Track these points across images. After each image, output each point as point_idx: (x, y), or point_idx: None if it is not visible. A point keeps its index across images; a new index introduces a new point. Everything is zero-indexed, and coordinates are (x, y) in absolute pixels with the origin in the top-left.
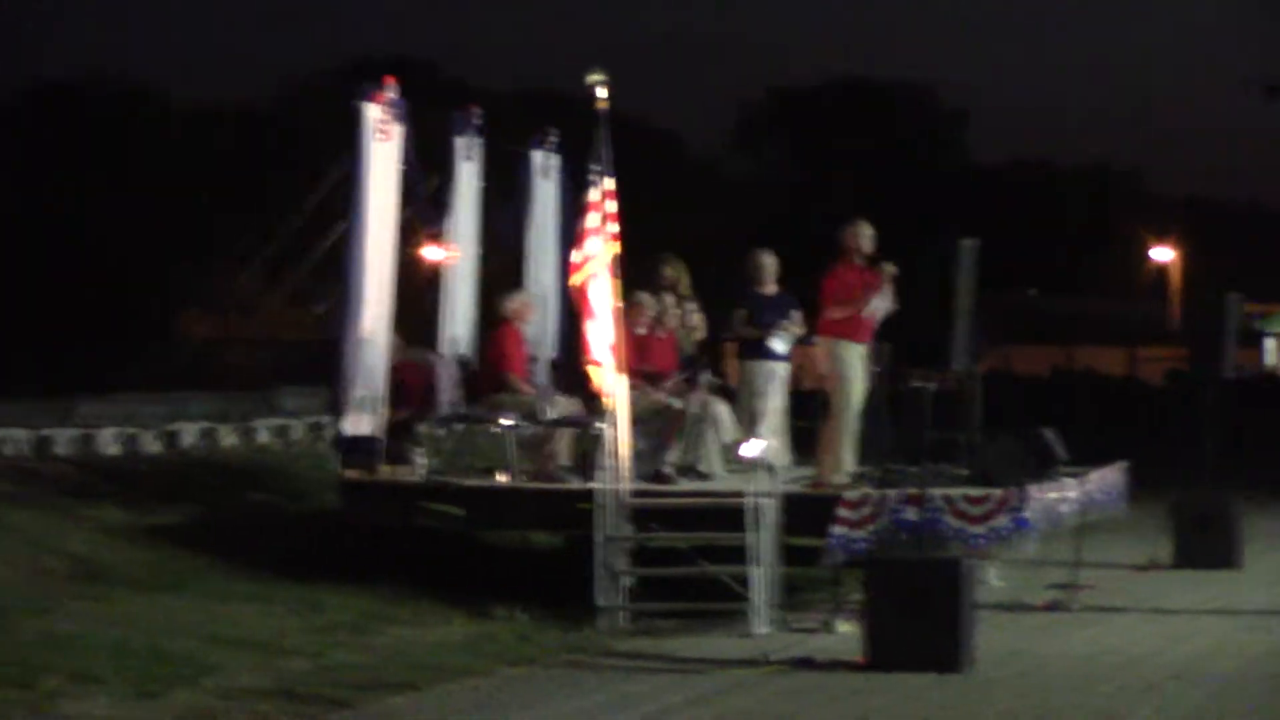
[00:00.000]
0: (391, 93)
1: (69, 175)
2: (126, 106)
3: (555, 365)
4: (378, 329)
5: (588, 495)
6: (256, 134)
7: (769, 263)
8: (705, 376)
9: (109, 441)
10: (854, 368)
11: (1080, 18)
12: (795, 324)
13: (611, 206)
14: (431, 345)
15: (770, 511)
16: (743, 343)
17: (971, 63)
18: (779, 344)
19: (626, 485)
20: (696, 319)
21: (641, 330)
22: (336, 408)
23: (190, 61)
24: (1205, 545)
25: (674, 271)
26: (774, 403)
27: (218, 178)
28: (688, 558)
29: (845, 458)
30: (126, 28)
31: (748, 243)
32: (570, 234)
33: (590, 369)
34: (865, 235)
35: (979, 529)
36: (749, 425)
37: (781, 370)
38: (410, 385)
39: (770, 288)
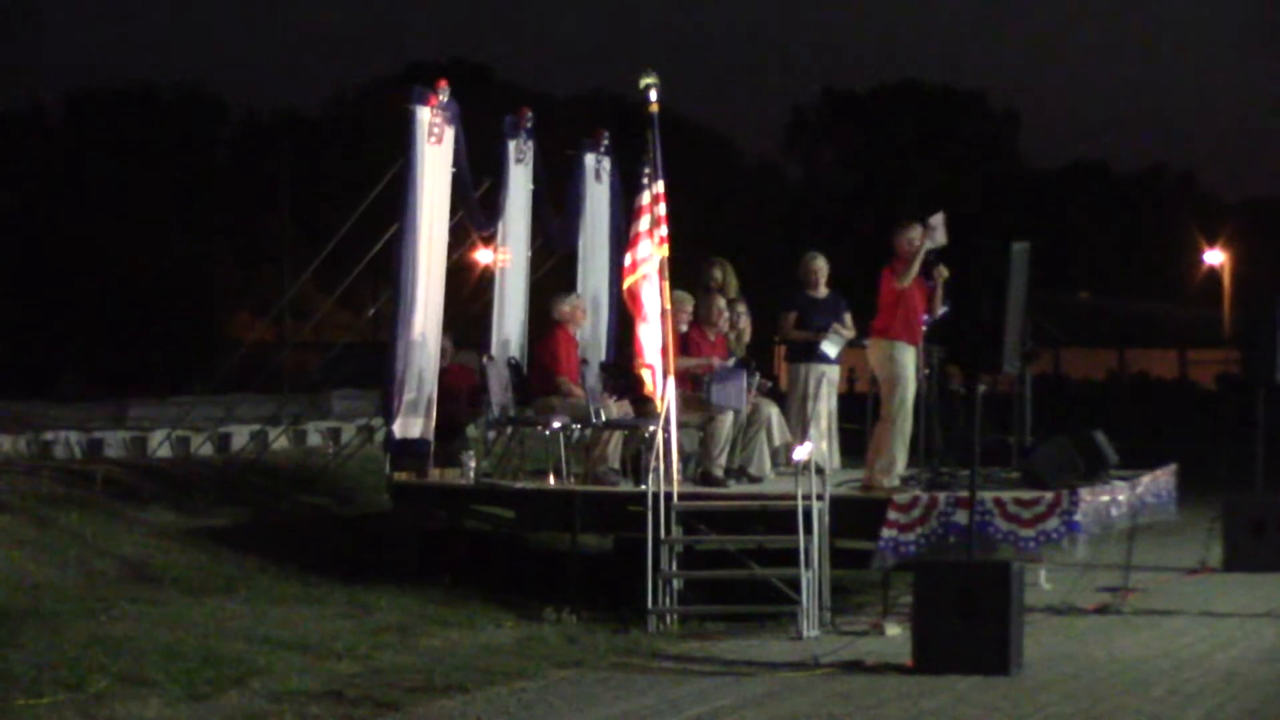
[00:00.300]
0: (444, 96)
1: (124, 180)
2: (184, 113)
3: (606, 368)
4: (429, 332)
5: (638, 498)
6: (311, 139)
7: (820, 265)
8: (756, 379)
9: (160, 444)
10: (906, 370)
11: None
12: (846, 327)
13: (662, 209)
14: (483, 348)
15: (820, 514)
16: (792, 345)
17: (1029, 66)
18: (830, 347)
19: (676, 488)
20: (745, 321)
21: (683, 327)
22: (387, 410)
23: (247, 68)
24: (1256, 548)
25: (722, 273)
26: (824, 405)
27: (272, 182)
28: (737, 560)
29: (896, 460)
30: (183, 35)
31: (801, 245)
32: (622, 237)
33: (642, 371)
34: (914, 235)
35: (1029, 532)
36: (799, 428)
37: (832, 373)
38: (457, 388)
39: (821, 290)
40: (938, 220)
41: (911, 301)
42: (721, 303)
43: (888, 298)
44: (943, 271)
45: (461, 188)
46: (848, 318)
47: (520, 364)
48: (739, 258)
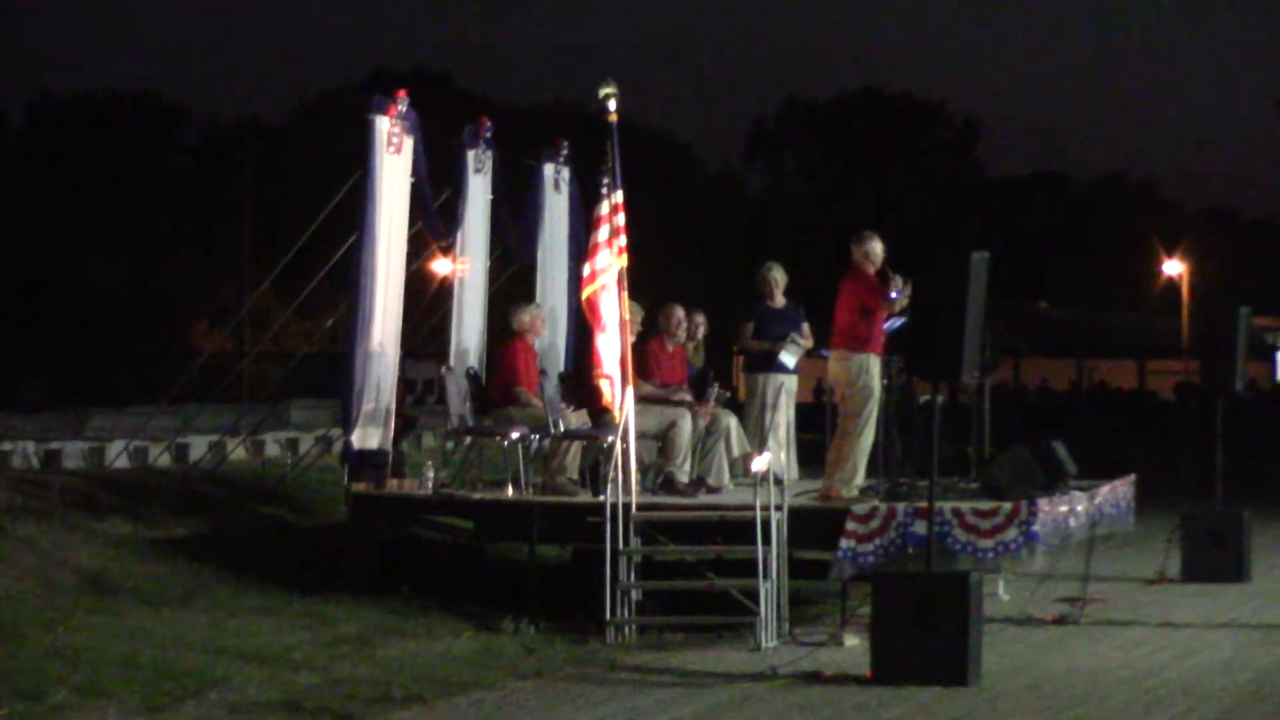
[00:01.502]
0: (403, 106)
1: (82, 187)
2: (142, 119)
3: (564, 378)
4: (387, 342)
5: (596, 508)
6: (273, 147)
7: (776, 276)
8: (714, 389)
9: (118, 454)
10: (874, 380)
11: (1099, 30)
12: (803, 337)
13: (621, 219)
14: (441, 357)
15: (779, 525)
16: (750, 355)
17: (990, 75)
18: (788, 357)
19: (635, 498)
20: (703, 331)
21: (631, 337)
22: (345, 421)
23: (206, 75)
24: (1215, 559)
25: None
26: (783, 415)
27: (233, 191)
28: (695, 571)
29: (855, 471)
30: (145, 43)
31: (761, 255)
32: (581, 247)
33: (600, 382)
34: (875, 248)
35: (988, 542)
36: (758, 438)
37: (790, 383)
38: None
39: (779, 300)
40: (873, 247)
41: (869, 310)
42: (680, 312)
43: (845, 308)
44: (898, 280)
45: (420, 197)
46: (805, 327)
47: (479, 374)
48: (699, 266)
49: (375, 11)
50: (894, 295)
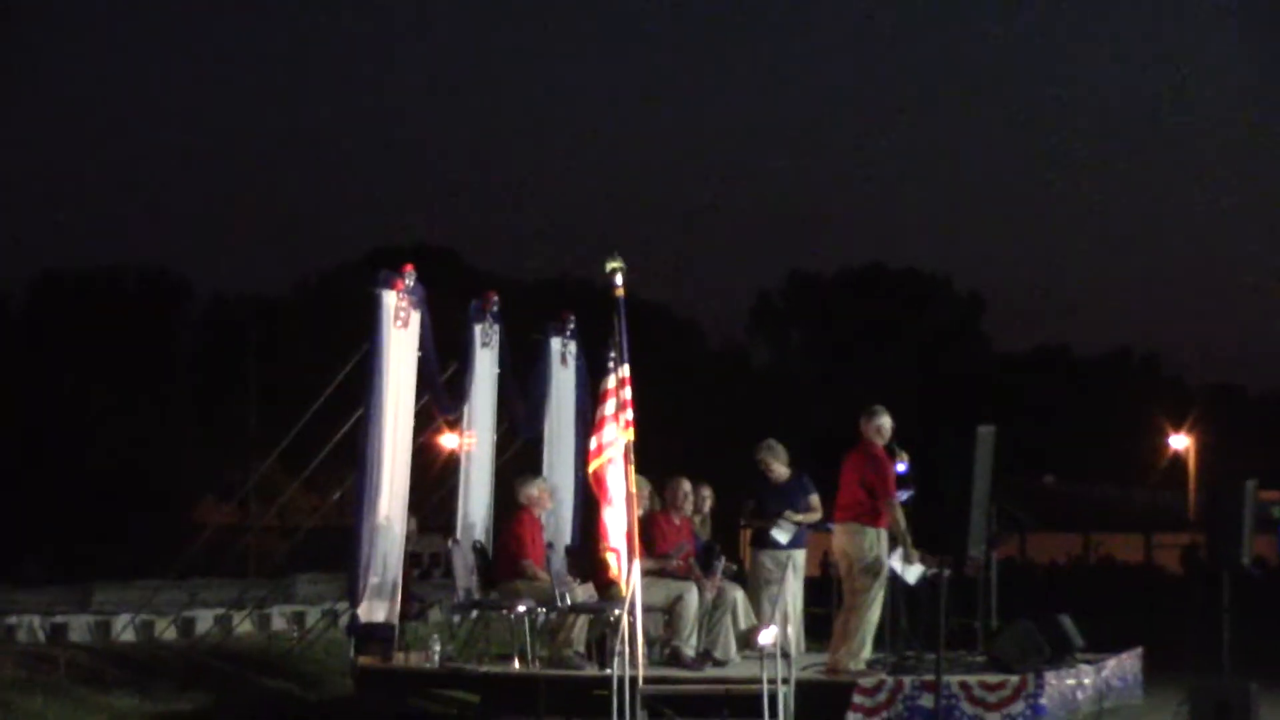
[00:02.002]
0: (410, 280)
1: (86, 362)
2: (147, 295)
3: (571, 552)
4: (394, 515)
5: (603, 682)
6: (276, 323)
7: (768, 458)
8: (720, 562)
9: (124, 627)
10: (871, 553)
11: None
12: (802, 511)
13: (628, 393)
14: (448, 531)
15: (785, 699)
16: (754, 531)
17: (993, 250)
18: (781, 535)
19: (641, 671)
20: (709, 505)
21: (639, 511)
22: (351, 594)
23: (212, 252)
24: None
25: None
26: (788, 589)
27: (237, 365)
28: None
29: (862, 644)
30: (147, 220)
31: (763, 429)
32: (587, 420)
33: (606, 555)
34: (885, 423)
35: (995, 716)
36: (764, 612)
37: (798, 557)
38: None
39: (779, 475)
40: (884, 422)
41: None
42: (686, 485)
43: (851, 481)
44: (903, 456)
45: (427, 371)
46: (814, 499)
47: (485, 547)
48: (704, 441)
49: (377, 188)
50: (901, 469)
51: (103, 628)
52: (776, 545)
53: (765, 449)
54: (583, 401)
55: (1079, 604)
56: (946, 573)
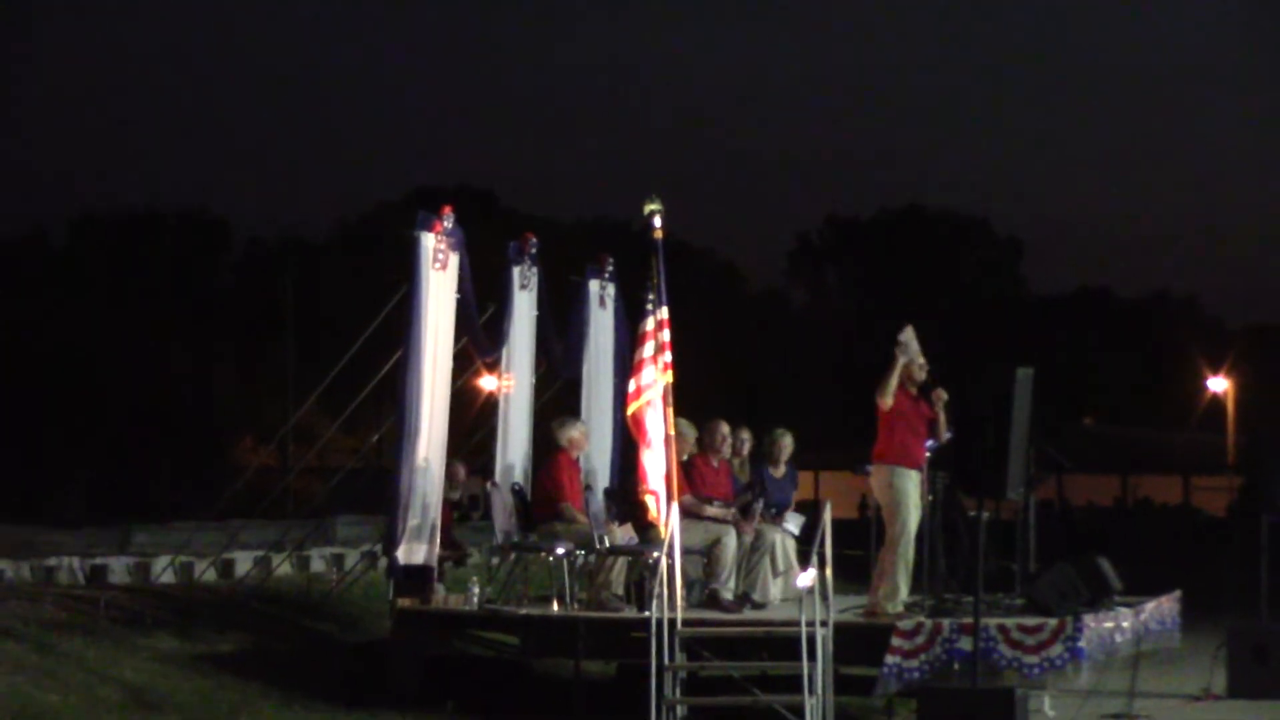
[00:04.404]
0: (448, 222)
1: (127, 305)
2: (187, 237)
3: (610, 494)
4: (433, 458)
5: (642, 624)
6: (315, 264)
7: (786, 443)
8: (759, 504)
9: (163, 569)
10: (909, 495)
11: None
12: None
13: (666, 335)
14: (487, 474)
15: (824, 640)
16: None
17: (1032, 191)
18: (794, 526)
19: (680, 614)
20: (748, 448)
21: (684, 457)
22: (390, 536)
23: (251, 193)
24: (1261, 675)
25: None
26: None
27: (276, 307)
28: (741, 686)
29: (900, 586)
30: (187, 160)
31: (804, 372)
32: (626, 363)
33: (645, 497)
34: (918, 364)
35: (1033, 658)
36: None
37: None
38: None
39: (781, 469)
40: (907, 335)
41: (910, 425)
42: (725, 428)
43: (884, 422)
44: (942, 394)
45: (465, 314)
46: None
47: (524, 490)
48: (748, 383)
49: (416, 130)
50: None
51: (142, 569)
52: (792, 535)
53: (786, 441)
54: (621, 344)
55: (1117, 546)
56: (985, 514)
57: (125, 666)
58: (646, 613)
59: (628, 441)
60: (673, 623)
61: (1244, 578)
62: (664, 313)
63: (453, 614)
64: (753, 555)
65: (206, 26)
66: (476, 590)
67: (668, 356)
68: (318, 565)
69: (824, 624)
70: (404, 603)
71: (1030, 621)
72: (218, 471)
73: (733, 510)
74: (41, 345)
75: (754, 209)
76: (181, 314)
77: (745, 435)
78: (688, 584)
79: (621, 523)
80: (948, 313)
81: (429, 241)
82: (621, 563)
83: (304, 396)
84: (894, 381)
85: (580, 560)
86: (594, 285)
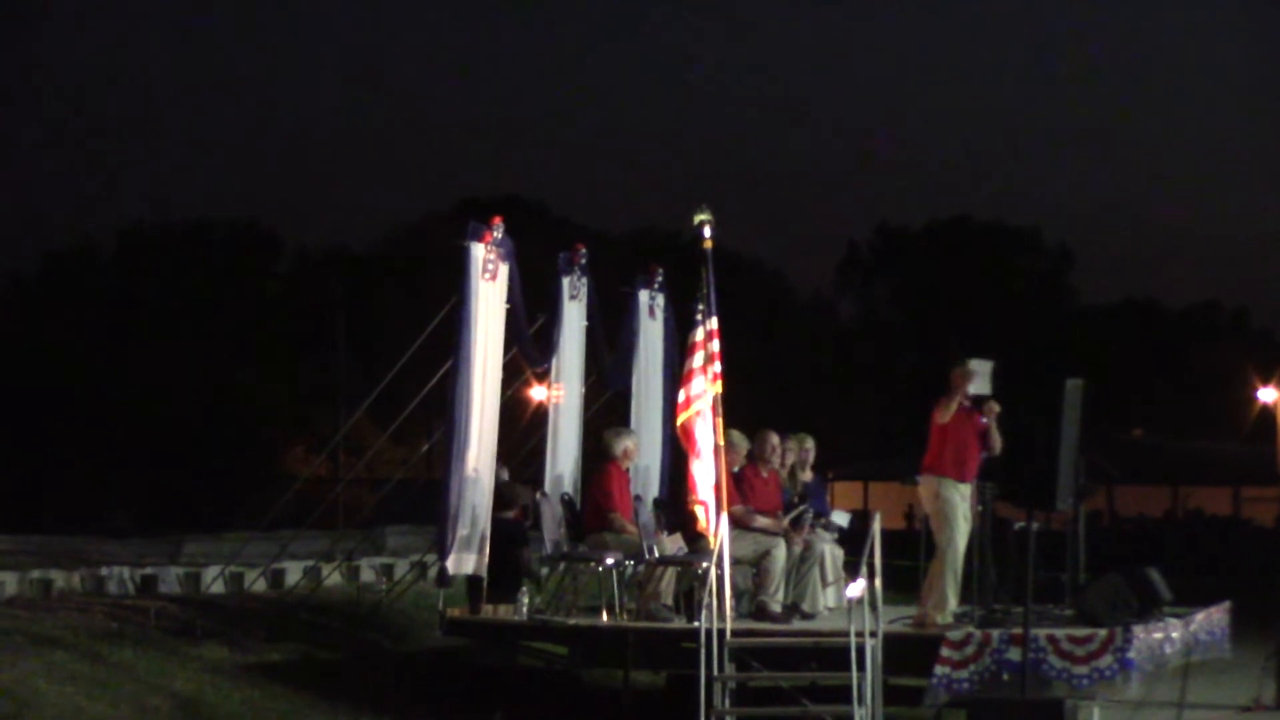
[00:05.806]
0: (498, 233)
1: (177, 316)
2: (237, 248)
3: (659, 504)
4: (482, 468)
5: (691, 634)
6: (364, 275)
7: (810, 446)
8: (809, 515)
9: (214, 579)
10: (958, 506)
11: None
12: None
13: (716, 346)
14: (537, 484)
15: (873, 651)
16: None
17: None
18: (842, 520)
19: (729, 624)
20: (792, 458)
21: (735, 468)
22: (440, 546)
23: (300, 204)
24: None
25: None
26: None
27: (326, 318)
28: (790, 697)
29: (949, 597)
30: (236, 172)
31: (852, 382)
32: (676, 373)
33: (695, 508)
34: (971, 375)
35: (1083, 669)
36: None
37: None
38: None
39: (808, 474)
40: (983, 368)
41: (961, 438)
42: (774, 439)
43: (935, 434)
44: (994, 407)
45: (515, 324)
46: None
47: (573, 500)
48: (794, 392)
49: (466, 140)
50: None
51: (193, 579)
52: (837, 530)
53: (809, 445)
54: (670, 354)
55: (1167, 557)
56: (1034, 525)
57: (175, 677)
58: (696, 623)
59: (677, 452)
60: (722, 633)
61: None
62: (714, 323)
63: (502, 624)
64: (802, 566)
65: (256, 39)
66: (526, 600)
67: (717, 367)
68: (367, 575)
69: (873, 634)
70: (454, 613)
71: (1080, 632)
72: (268, 482)
73: (784, 520)
74: (92, 357)
75: (803, 219)
76: (231, 324)
77: (810, 444)
78: (737, 594)
79: (671, 533)
80: (998, 324)
81: (479, 252)
82: (671, 573)
83: (354, 407)
84: (954, 405)
85: (630, 570)
86: (643, 296)
